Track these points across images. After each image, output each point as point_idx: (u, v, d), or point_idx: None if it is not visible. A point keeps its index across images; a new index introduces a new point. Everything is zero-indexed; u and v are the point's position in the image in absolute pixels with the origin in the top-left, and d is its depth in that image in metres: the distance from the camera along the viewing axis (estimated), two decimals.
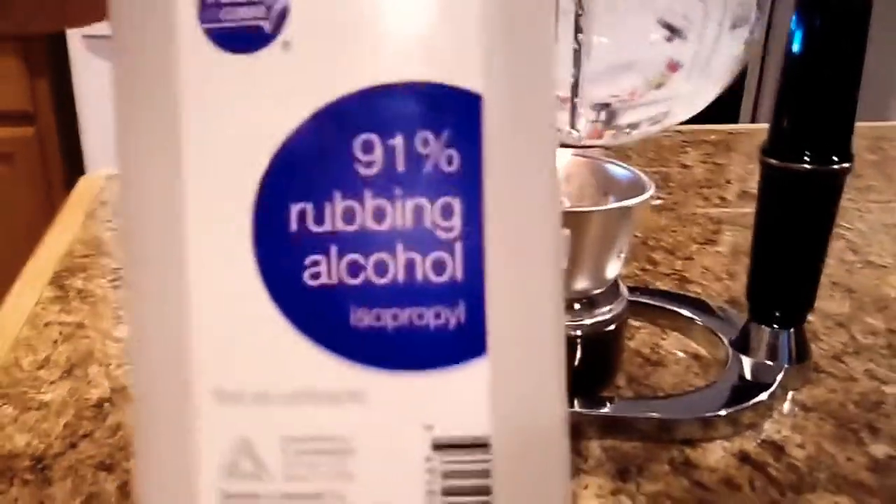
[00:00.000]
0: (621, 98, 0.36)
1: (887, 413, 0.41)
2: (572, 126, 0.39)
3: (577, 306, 0.41)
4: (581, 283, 0.40)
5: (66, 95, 1.62)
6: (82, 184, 0.75)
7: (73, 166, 1.65)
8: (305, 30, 0.16)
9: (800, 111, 0.39)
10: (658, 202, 0.71)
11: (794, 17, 0.37)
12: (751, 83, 1.77)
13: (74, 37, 1.55)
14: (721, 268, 0.59)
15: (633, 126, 0.38)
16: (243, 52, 0.16)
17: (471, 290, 0.17)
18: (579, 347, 0.40)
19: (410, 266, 0.17)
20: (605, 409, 0.39)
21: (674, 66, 0.36)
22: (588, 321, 0.40)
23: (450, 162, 0.17)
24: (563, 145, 0.41)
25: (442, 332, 0.17)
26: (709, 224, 0.67)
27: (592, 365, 0.42)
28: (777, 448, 0.38)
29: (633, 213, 0.40)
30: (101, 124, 1.60)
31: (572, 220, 0.38)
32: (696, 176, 0.78)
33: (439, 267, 0.17)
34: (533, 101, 0.17)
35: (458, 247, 0.17)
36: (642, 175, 0.42)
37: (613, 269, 0.41)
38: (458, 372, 0.17)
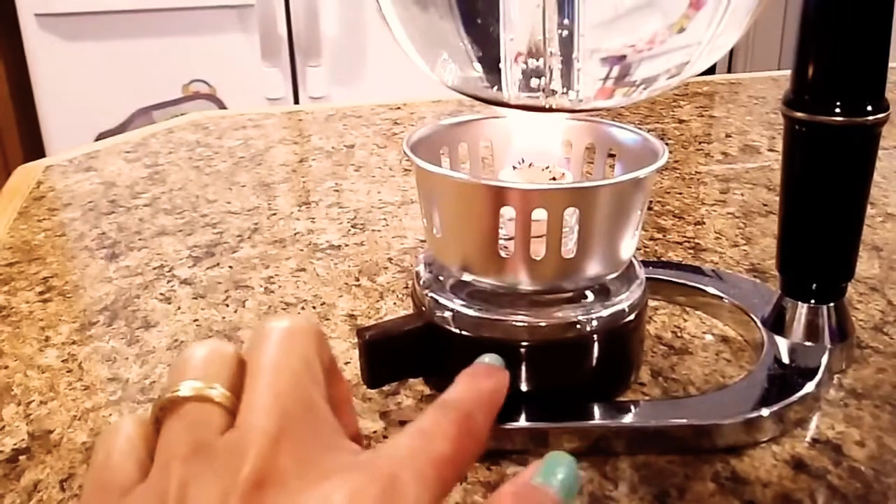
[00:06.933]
0: (638, 48, 0.30)
1: None
2: (567, 87, 0.33)
3: (589, 296, 0.34)
4: (593, 269, 0.34)
5: (21, 77, 1.51)
6: (18, 175, 0.67)
7: (34, 151, 1.55)
8: None
9: (826, 55, 0.34)
10: None
11: None
12: None
13: (27, 15, 1.44)
14: (735, 231, 0.53)
15: (649, 81, 0.31)
16: None
17: None
18: (596, 345, 0.34)
19: None
20: (631, 418, 0.33)
21: (697, 3, 0.29)
22: (604, 313, 0.34)
23: None
24: (558, 110, 0.34)
25: None
26: (715, 183, 0.61)
27: (612, 364, 0.35)
28: (834, 448, 0.33)
29: (647, 182, 0.34)
30: (59, 105, 1.50)
31: (579, 196, 0.32)
32: (693, 131, 0.71)
33: None
34: None
35: None
36: (651, 137, 0.36)
37: (629, 248, 0.35)
38: None
